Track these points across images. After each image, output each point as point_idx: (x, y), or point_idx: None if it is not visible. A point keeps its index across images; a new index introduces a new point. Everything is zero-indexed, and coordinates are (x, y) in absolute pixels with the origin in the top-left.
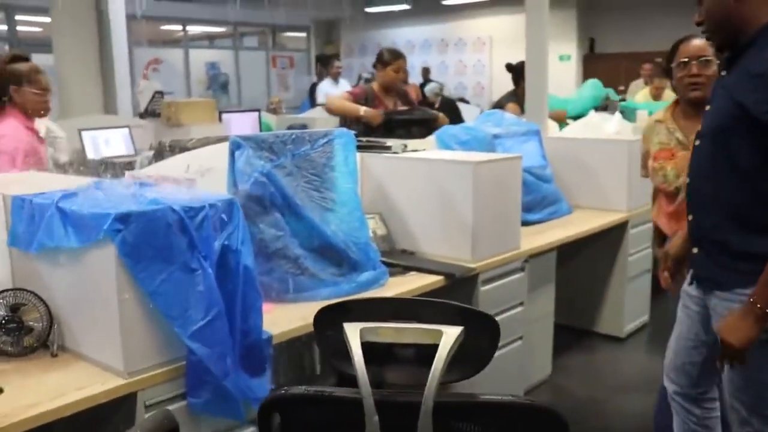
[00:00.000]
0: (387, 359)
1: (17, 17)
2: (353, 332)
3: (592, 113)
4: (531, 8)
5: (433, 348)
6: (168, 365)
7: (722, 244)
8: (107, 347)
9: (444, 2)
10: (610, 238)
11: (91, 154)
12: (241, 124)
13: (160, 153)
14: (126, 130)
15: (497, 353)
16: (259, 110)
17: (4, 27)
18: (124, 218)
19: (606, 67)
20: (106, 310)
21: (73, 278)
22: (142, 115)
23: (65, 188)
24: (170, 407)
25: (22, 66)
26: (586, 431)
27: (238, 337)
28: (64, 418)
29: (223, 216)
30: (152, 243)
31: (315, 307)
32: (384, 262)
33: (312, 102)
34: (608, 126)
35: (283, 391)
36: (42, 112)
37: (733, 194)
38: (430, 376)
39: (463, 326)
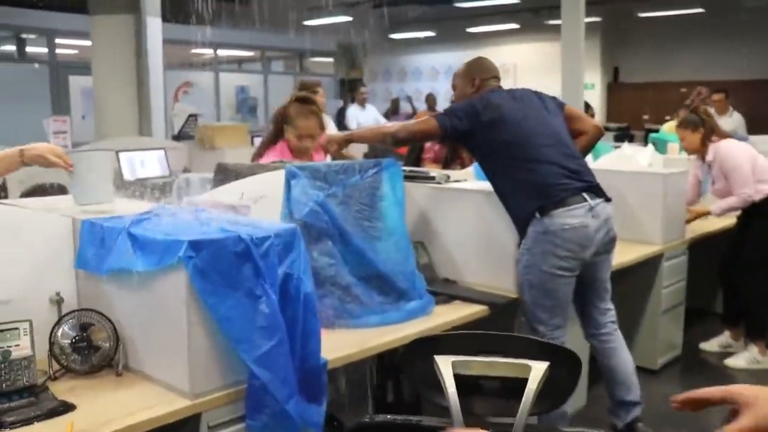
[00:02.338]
0: (474, 391)
1: (57, 41)
2: (445, 365)
3: (625, 145)
4: (567, 39)
5: (519, 381)
6: (229, 388)
7: None
8: (173, 369)
9: (469, 29)
10: (644, 270)
11: (127, 175)
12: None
13: (221, 176)
14: (162, 152)
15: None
16: None
17: (44, 50)
18: (196, 245)
19: (630, 96)
20: (174, 333)
21: (140, 300)
22: (175, 138)
23: (130, 212)
24: (229, 429)
25: (293, 110)
26: None
27: (297, 363)
28: None
29: (286, 245)
30: (220, 270)
31: (364, 333)
32: (428, 291)
33: (339, 126)
34: (641, 158)
35: (368, 419)
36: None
37: None
38: (521, 407)
39: (548, 361)
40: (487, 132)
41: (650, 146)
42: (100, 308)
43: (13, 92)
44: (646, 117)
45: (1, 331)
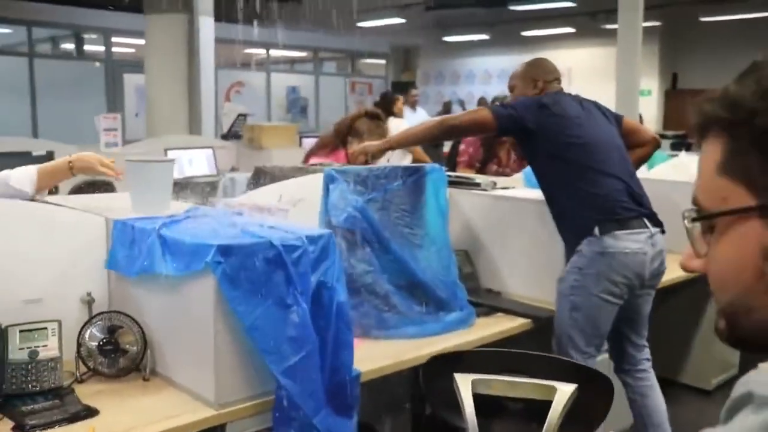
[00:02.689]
0: (495, 411)
1: (113, 39)
2: (465, 383)
3: (682, 154)
4: (623, 44)
5: (544, 404)
6: (256, 399)
7: None
8: (199, 377)
9: (523, 33)
10: (699, 285)
11: (175, 174)
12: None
13: (257, 179)
14: (210, 150)
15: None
16: None
17: (101, 48)
18: (225, 250)
19: (689, 103)
20: (201, 340)
21: (169, 305)
22: (224, 137)
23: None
24: None
25: (362, 124)
26: None
27: (328, 374)
28: None
29: (321, 252)
30: (250, 276)
31: (401, 344)
32: (470, 302)
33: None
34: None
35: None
36: None
37: None
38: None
39: (576, 384)
40: (551, 129)
41: None
42: (129, 310)
43: (70, 89)
44: None
45: (30, 330)
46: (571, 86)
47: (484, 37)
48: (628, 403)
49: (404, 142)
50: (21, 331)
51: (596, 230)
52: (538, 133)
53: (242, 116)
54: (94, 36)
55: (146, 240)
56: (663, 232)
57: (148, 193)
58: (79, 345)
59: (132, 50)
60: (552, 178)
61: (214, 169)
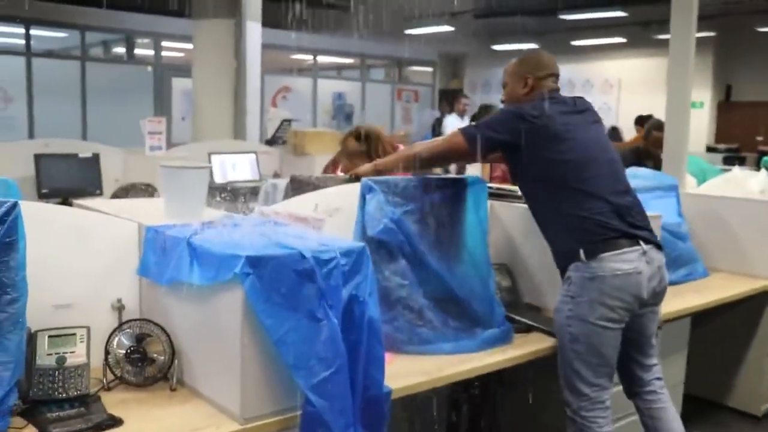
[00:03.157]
0: None
1: (163, 43)
2: None
3: (735, 168)
4: (675, 56)
5: None
6: (282, 414)
7: None
8: (225, 389)
9: (573, 42)
10: (751, 305)
11: (218, 178)
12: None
13: (293, 188)
14: (253, 155)
15: (622, 422)
16: None
17: (151, 52)
18: (254, 261)
19: (743, 115)
20: (228, 352)
21: (198, 315)
22: (268, 142)
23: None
24: None
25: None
26: None
27: (358, 391)
28: None
29: (354, 265)
30: (280, 289)
31: (437, 360)
32: (508, 318)
33: (435, 136)
34: (752, 183)
35: None
36: None
37: None
38: None
39: None
40: (533, 145)
41: (763, 171)
42: (159, 318)
43: (120, 93)
44: (759, 138)
45: (59, 336)
46: (620, 97)
47: (533, 45)
48: (645, 429)
49: (389, 168)
50: (50, 337)
51: (581, 254)
52: (519, 147)
53: (287, 122)
54: (144, 40)
55: (177, 248)
56: (660, 248)
57: (182, 199)
58: (107, 352)
59: (181, 54)
60: (538, 200)
61: (257, 175)
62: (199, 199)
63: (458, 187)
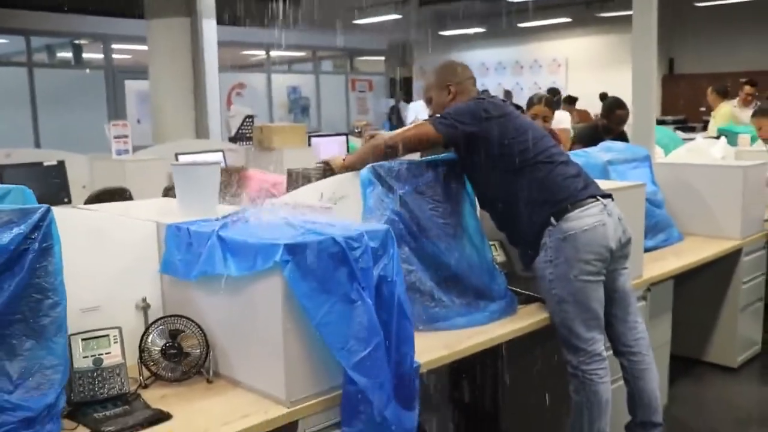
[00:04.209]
0: None
1: (113, 46)
2: None
3: (699, 137)
4: (638, 30)
5: None
6: (325, 395)
7: None
8: (268, 375)
9: (520, 24)
10: (722, 266)
11: None
12: (330, 148)
13: (290, 181)
14: (220, 154)
15: (619, 383)
16: (347, 134)
17: (100, 56)
18: (292, 249)
19: (686, 88)
20: (269, 339)
21: (231, 306)
22: (232, 139)
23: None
24: None
25: None
26: None
27: (392, 367)
28: None
29: (380, 247)
30: (316, 274)
31: (452, 336)
32: (510, 290)
33: (392, 124)
34: (714, 151)
35: None
36: None
37: None
38: None
39: None
40: (495, 132)
41: (723, 139)
42: (186, 313)
43: (71, 98)
44: (702, 109)
45: (92, 338)
46: (568, 76)
47: (479, 30)
48: (624, 383)
49: (359, 164)
50: (83, 340)
51: (552, 220)
52: (483, 138)
53: (250, 118)
54: (93, 43)
55: (205, 243)
56: (612, 199)
57: (196, 195)
58: (141, 350)
59: (130, 56)
60: (502, 183)
61: None
62: (212, 195)
63: (451, 166)
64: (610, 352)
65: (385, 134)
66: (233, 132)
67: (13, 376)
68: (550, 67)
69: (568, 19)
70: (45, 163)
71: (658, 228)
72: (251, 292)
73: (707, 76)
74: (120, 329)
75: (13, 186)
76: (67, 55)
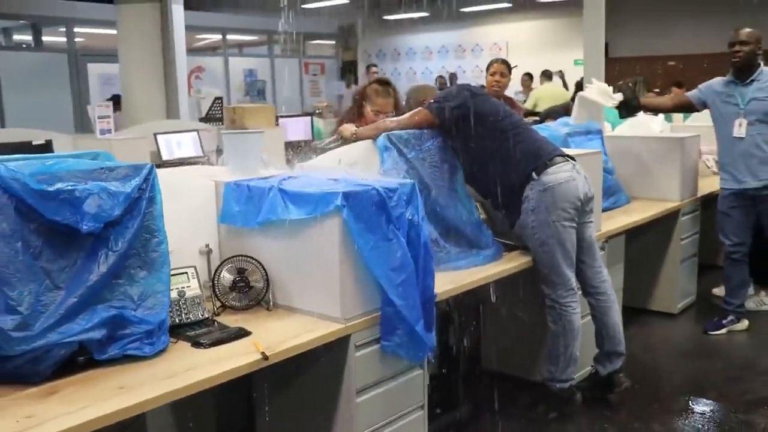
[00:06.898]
0: None
1: (76, 29)
2: None
3: (641, 114)
4: (589, 12)
5: None
6: (369, 314)
7: None
8: (325, 300)
9: (462, 9)
10: (664, 225)
11: (165, 155)
12: (296, 127)
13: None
14: (195, 134)
15: (587, 319)
16: (311, 114)
17: (63, 39)
18: (347, 196)
19: (620, 71)
20: (327, 270)
21: (290, 245)
22: (203, 120)
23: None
24: (371, 348)
25: (371, 90)
26: (655, 388)
27: (420, 294)
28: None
29: (408, 197)
30: (363, 216)
31: (456, 275)
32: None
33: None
34: (653, 126)
35: None
36: None
37: None
38: None
39: None
40: (478, 108)
41: (661, 116)
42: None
43: (35, 80)
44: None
45: (177, 275)
46: (509, 59)
47: (422, 14)
48: (592, 320)
49: (364, 137)
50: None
51: (534, 174)
52: (472, 115)
53: (219, 99)
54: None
55: (266, 195)
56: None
57: (245, 158)
58: (213, 285)
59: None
60: (490, 151)
61: (200, 151)
62: (257, 158)
63: (443, 139)
64: (580, 292)
65: (388, 121)
66: (204, 113)
67: (134, 297)
68: (491, 51)
69: (509, 5)
70: (34, 142)
71: (610, 192)
72: (311, 233)
73: (641, 59)
74: (195, 267)
75: (101, 151)
76: (28, 38)
